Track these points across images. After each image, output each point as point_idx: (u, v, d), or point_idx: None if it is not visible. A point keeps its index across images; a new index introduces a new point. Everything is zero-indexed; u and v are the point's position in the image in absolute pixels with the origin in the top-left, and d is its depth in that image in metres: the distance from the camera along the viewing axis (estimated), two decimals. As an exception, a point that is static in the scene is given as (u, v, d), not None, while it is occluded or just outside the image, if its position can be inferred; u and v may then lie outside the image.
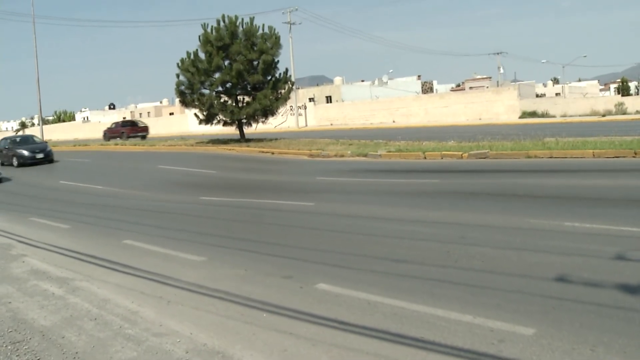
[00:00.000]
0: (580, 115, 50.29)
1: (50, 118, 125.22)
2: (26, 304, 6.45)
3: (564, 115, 50.69)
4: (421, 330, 4.89)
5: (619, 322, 4.79)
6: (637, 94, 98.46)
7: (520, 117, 48.15)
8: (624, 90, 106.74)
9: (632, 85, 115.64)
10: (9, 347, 5.10)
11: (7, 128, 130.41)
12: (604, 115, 47.27)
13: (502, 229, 8.59)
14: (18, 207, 15.61)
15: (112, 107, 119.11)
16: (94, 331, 5.38)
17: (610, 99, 76.02)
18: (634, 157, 15.59)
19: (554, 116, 50.00)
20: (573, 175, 14.00)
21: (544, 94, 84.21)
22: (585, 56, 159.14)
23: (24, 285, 7.25)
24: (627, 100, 70.70)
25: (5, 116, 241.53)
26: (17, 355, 4.91)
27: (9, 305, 6.41)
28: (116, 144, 43.83)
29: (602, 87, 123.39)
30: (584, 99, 70.85)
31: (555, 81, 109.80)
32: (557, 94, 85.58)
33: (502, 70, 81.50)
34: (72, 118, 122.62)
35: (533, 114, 49.98)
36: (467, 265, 6.76)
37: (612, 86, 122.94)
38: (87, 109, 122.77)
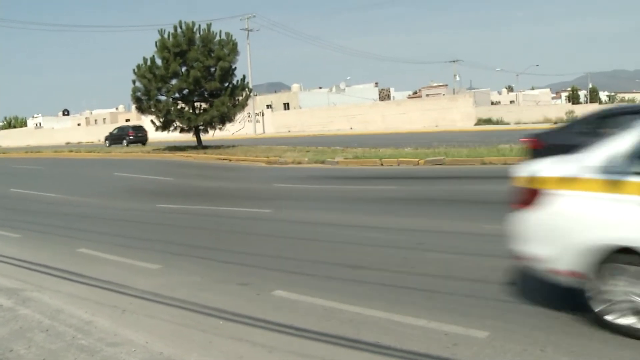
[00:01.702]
0: (533, 122, 51.51)
1: (0, 124, 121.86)
2: (-27, 316, 6.25)
3: (518, 122, 51.85)
4: (377, 335, 4.93)
5: (567, 322, 4.92)
6: (586, 102, 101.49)
7: (475, 124, 49.11)
8: (574, 99, 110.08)
9: (582, 93, 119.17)
10: (-45, 361, 4.94)
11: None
12: (555, 123, 48.43)
13: (458, 234, 8.73)
14: (-34, 216, 15.13)
15: (66, 113, 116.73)
16: (45, 343, 5.25)
17: (561, 106, 78.29)
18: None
19: (508, 123, 51.14)
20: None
21: (499, 102, 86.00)
22: (537, 65, 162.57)
23: (-29, 297, 7.03)
24: (577, 108, 72.96)
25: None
26: (-37, 369, 4.76)
27: (-44, 318, 6.20)
28: (70, 151, 42.99)
29: (554, 95, 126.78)
30: (537, 107, 72.71)
31: (510, 89, 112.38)
32: (511, 102, 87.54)
33: (458, 78, 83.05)
34: (23, 124, 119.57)
35: (488, 121, 51.03)
36: (424, 271, 6.85)
37: (563, 94, 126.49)
38: (40, 114, 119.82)
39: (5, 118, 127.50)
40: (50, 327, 5.66)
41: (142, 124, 51.69)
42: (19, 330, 5.64)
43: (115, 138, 48.58)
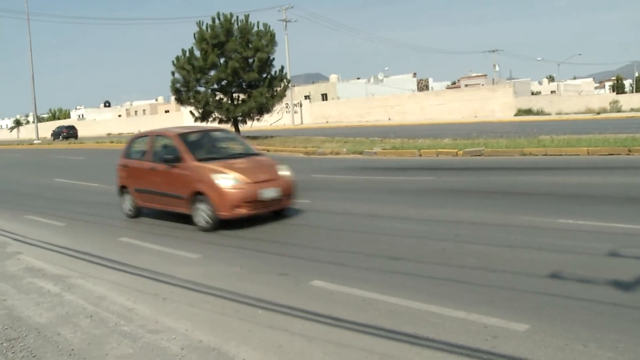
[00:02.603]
0: (575, 113, 50.45)
1: (45, 116, 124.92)
2: (21, 301, 6.46)
3: (559, 113, 50.83)
4: (415, 326, 4.92)
5: (611, 318, 4.83)
6: (632, 92, 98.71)
7: (515, 115, 48.36)
8: (618, 88, 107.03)
9: (627, 83, 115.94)
10: (5, 345, 5.11)
11: (1, 126, 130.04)
12: (598, 113, 47.45)
13: (496, 226, 8.63)
14: (13, 204, 15.57)
15: (107, 104, 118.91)
16: (89, 328, 5.40)
17: (605, 96, 76.30)
18: (628, 154, 15.67)
19: (549, 114, 50.18)
20: (567, 172, 14.06)
21: (540, 92, 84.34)
22: (580, 54, 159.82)
23: (19, 283, 7.26)
24: (621, 98, 71.01)
25: (0, 114, 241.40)
26: (12, 352, 4.92)
27: (5, 303, 6.42)
28: (111, 142, 43.81)
29: (597, 84, 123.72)
30: (579, 97, 71.08)
31: (551, 79, 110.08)
32: (552, 92, 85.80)
33: (497, 68, 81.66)
34: (67, 116, 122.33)
35: (528, 112, 50.15)
36: (462, 263, 6.80)
37: (607, 84, 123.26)
38: (83, 106, 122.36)
39: (50, 110, 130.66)
40: (94, 313, 5.81)
41: (73, 124, 71.92)
42: (65, 315, 5.81)
43: (56, 134, 65.58)
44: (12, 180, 22.82)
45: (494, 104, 50.70)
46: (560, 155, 16.66)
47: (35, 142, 59.11)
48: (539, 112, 50.47)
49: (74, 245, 9.41)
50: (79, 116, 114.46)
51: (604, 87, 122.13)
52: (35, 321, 5.71)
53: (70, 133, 63.53)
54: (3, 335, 5.35)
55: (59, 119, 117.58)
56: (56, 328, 5.46)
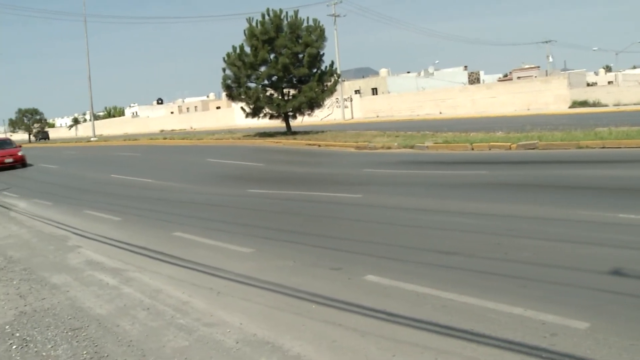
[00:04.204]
0: (635, 104, 48.63)
1: (101, 114, 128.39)
2: (83, 293, 6.67)
3: (618, 104, 49.11)
4: (471, 322, 4.84)
5: (678, 317, 4.64)
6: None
7: (570, 107, 47.06)
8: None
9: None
10: (69, 334, 5.29)
11: (61, 124, 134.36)
12: (660, 104, 45.62)
13: (552, 220, 8.41)
14: (72, 200, 16.08)
15: (160, 102, 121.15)
16: (147, 320, 5.52)
17: (667, 86, 73.24)
18: (692, 146, 15.04)
19: (606, 105, 48.58)
20: (627, 165, 13.59)
21: (596, 83, 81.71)
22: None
23: (80, 275, 7.49)
24: (685, 87, 68.00)
25: (59, 113, 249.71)
26: (76, 341, 5.09)
27: (68, 294, 6.64)
28: (165, 138, 44.71)
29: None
30: (639, 87, 68.55)
31: (608, 69, 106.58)
32: (609, 82, 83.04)
33: (551, 59, 79.68)
34: (121, 113, 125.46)
35: (584, 104, 48.69)
36: (517, 258, 6.65)
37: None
38: (136, 104, 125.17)
39: (106, 108, 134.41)
40: (151, 306, 5.95)
41: (47, 131, 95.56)
42: (124, 308, 5.96)
43: (36, 136, 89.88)
44: (72, 177, 23.56)
45: (547, 96, 49.46)
46: (619, 147, 16.11)
47: (92, 139, 60.78)
48: (596, 104, 48.93)
49: (130, 239, 9.64)
50: (133, 113, 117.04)
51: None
52: (96, 312, 5.88)
53: (44, 135, 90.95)
54: (68, 325, 5.54)
55: (114, 116, 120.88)
56: (115, 319, 5.61)
